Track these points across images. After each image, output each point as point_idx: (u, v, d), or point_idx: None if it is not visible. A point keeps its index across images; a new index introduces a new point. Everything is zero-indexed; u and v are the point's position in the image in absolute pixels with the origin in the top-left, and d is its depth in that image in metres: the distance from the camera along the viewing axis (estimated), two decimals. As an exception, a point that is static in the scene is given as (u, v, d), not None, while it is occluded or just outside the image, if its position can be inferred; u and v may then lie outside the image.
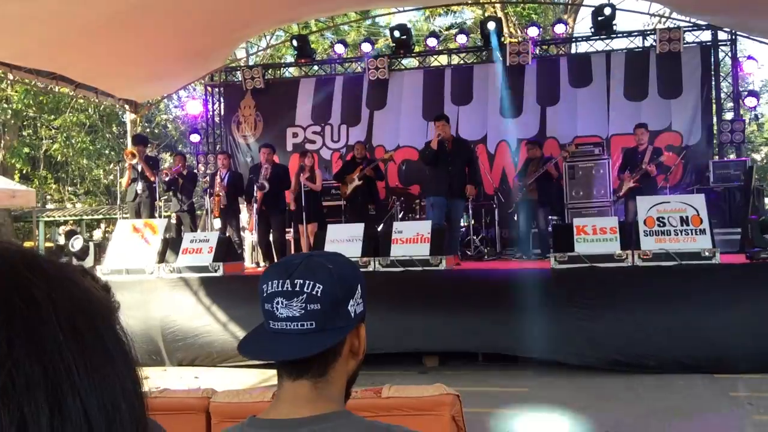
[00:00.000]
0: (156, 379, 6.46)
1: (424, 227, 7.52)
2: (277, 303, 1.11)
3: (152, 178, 9.97)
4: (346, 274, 1.15)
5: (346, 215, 10.30)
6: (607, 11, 11.59)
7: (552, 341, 6.37)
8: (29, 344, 0.48)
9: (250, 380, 6.41)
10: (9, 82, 16.04)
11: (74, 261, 9.03)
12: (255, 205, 9.50)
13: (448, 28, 22.21)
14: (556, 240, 7.29)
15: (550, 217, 9.68)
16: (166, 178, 10.37)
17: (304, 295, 1.10)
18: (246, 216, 10.72)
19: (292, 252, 9.77)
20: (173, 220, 10.91)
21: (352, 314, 1.14)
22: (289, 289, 1.10)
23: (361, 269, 6.71)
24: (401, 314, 6.71)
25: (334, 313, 1.11)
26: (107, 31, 8.73)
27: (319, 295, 1.10)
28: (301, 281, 1.10)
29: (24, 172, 21.39)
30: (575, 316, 6.35)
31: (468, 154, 8.90)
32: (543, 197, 9.52)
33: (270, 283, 1.13)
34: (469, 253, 9.95)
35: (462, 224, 10.05)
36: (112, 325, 0.57)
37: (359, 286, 1.17)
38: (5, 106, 19.90)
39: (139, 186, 9.84)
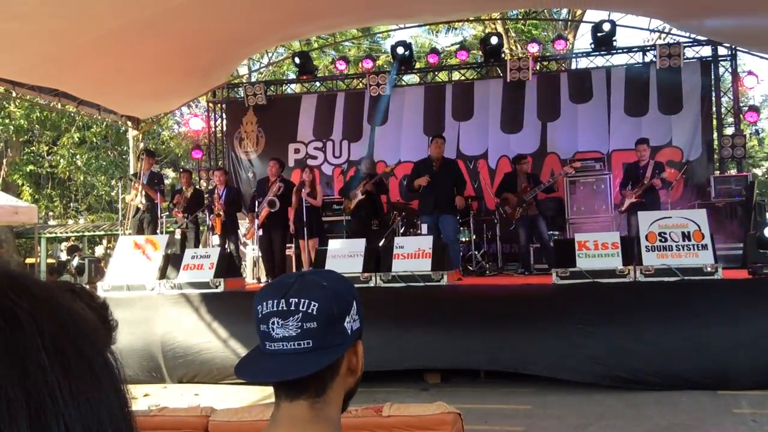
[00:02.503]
0: (156, 396, 6.44)
1: (426, 242, 7.52)
2: (273, 323, 1.09)
3: (160, 202, 9.96)
4: (341, 290, 1.14)
5: (350, 230, 10.29)
6: (607, 27, 11.65)
7: (554, 358, 6.34)
8: (12, 367, 0.47)
9: (251, 398, 6.38)
10: (12, 98, 16.13)
11: (74, 278, 9.06)
12: (257, 220, 9.50)
13: (450, 47, 22.33)
14: (558, 255, 7.28)
15: (550, 232, 9.68)
16: (180, 216, 10.33)
17: (300, 314, 1.08)
18: (245, 230, 10.72)
19: (293, 267, 9.77)
20: (177, 236, 10.93)
21: (349, 331, 1.13)
22: (284, 308, 1.09)
23: (363, 285, 6.72)
24: (402, 331, 6.69)
25: (330, 331, 1.10)
26: (109, 48, 8.78)
27: (314, 313, 1.08)
28: (296, 300, 1.09)
29: (28, 189, 21.46)
30: (577, 332, 6.33)
31: (454, 174, 9.14)
32: (542, 211, 9.54)
33: (264, 303, 1.12)
34: (471, 268, 9.94)
35: (463, 239, 10.06)
36: (100, 347, 0.55)
37: (354, 302, 1.16)
38: (7, 122, 19.99)
39: (142, 202, 9.87)
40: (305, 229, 9.26)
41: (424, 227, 9.00)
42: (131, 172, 12.85)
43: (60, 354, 0.50)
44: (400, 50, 12.44)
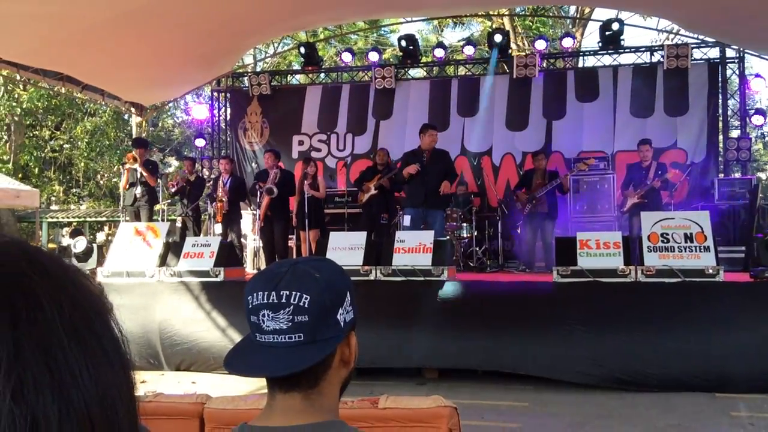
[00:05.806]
0: (153, 383, 6.43)
1: (427, 237, 7.48)
2: (263, 315, 1.06)
3: (152, 183, 9.97)
4: (334, 281, 1.10)
5: (360, 223, 10.19)
6: (615, 26, 11.60)
7: (553, 358, 6.30)
8: (36, 347, 0.49)
9: (247, 387, 6.37)
10: (18, 82, 16.12)
11: (76, 262, 9.05)
12: (259, 211, 9.50)
13: (457, 42, 22.25)
14: (559, 253, 7.25)
15: (556, 230, 9.65)
16: (173, 190, 10.42)
17: (291, 307, 1.05)
18: (247, 221, 10.72)
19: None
20: (178, 224, 10.92)
21: (342, 323, 1.09)
22: (275, 301, 1.06)
23: (362, 278, 6.65)
24: (399, 329, 6.64)
25: (322, 324, 1.06)
26: (115, 33, 8.76)
27: (306, 306, 1.05)
28: (287, 292, 1.06)
29: (30, 172, 21.52)
30: (577, 332, 6.30)
31: (446, 166, 8.63)
32: (552, 211, 9.50)
33: (255, 294, 1.08)
34: (471, 264, 9.93)
35: (465, 236, 10.03)
36: (110, 325, 0.57)
37: (348, 292, 1.12)
38: (14, 104, 19.99)
39: (138, 190, 9.84)
40: (306, 220, 9.26)
41: (407, 218, 8.52)
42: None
43: (76, 332, 0.52)
44: (405, 43, 12.41)
